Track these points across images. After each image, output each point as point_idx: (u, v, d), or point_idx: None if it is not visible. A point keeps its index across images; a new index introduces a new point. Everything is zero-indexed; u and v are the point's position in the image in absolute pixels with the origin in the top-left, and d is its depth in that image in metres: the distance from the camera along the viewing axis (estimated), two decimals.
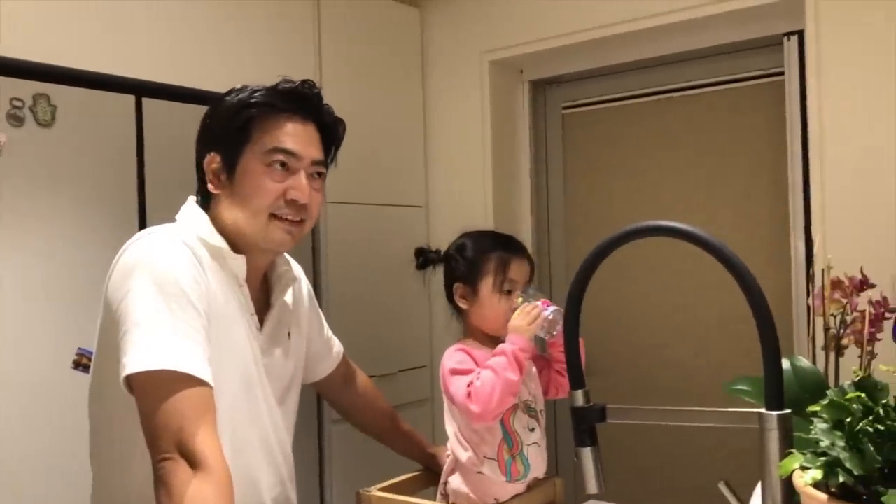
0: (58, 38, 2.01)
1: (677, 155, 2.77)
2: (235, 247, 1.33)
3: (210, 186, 1.34)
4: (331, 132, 1.42)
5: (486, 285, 1.56)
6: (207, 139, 1.37)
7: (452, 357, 1.56)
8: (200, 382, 1.14)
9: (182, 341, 1.15)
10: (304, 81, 1.38)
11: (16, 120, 1.91)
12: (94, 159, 2.06)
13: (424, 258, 1.66)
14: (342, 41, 2.74)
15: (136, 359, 1.13)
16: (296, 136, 1.33)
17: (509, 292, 1.55)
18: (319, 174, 1.38)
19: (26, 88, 1.93)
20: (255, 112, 1.32)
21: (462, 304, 1.61)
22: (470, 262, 1.59)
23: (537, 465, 1.56)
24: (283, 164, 1.32)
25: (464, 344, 1.60)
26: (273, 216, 1.32)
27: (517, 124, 3.07)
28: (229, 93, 1.38)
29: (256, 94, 1.34)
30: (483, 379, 1.46)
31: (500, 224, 2.93)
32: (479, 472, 1.52)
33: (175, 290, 1.18)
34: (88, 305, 1.96)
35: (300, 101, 1.36)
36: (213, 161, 1.34)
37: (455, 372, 1.52)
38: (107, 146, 2.09)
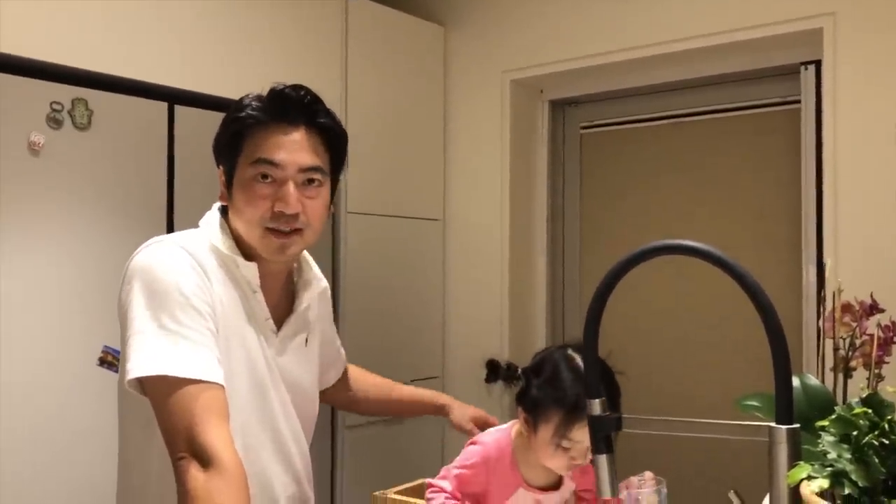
0: (97, 46, 2.08)
1: (693, 177, 2.82)
2: (249, 254, 1.36)
3: (220, 199, 1.38)
4: (331, 135, 1.37)
5: (546, 431, 1.38)
6: (215, 152, 1.40)
7: (468, 453, 1.47)
8: (206, 382, 1.17)
9: (185, 345, 1.19)
10: (292, 86, 1.33)
11: (55, 123, 1.98)
12: (127, 163, 2.13)
13: (495, 374, 1.50)
14: (368, 55, 2.81)
15: (139, 364, 1.17)
16: (280, 145, 1.30)
17: (568, 448, 1.38)
18: (312, 181, 1.34)
19: (66, 93, 2.01)
20: (244, 124, 1.32)
21: (523, 428, 1.45)
22: (537, 399, 1.40)
23: None
24: (265, 176, 1.30)
25: (512, 451, 1.46)
26: (266, 229, 1.31)
27: (535, 143, 3.12)
28: (232, 105, 1.38)
29: (247, 106, 1.33)
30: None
31: (514, 240, 2.98)
32: None
33: (176, 295, 1.21)
34: (115, 303, 2.03)
35: (286, 106, 1.32)
36: (222, 174, 1.38)
37: (455, 466, 1.46)
38: (139, 150, 2.16)
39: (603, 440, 1.07)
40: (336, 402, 1.81)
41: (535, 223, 3.11)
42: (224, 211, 1.40)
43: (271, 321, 1.39)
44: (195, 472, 1.11)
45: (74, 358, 2.01)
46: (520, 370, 1.45)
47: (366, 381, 1.79)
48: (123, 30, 2.14)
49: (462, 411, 1.76)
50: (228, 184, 1.35)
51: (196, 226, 1.40)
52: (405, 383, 1.69)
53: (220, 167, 1.38)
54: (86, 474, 2.00)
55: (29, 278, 1.95)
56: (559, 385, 1.38)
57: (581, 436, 1.34)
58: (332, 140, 1.38)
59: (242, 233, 1.34)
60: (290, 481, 1.42)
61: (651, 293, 2.83)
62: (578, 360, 1.39)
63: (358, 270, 2.74)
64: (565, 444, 1.36)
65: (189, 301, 1.22)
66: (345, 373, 1.76)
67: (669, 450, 2.78)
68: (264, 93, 1.35)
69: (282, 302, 1.44)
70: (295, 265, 1.48)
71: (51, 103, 1.97)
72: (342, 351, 1.73)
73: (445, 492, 1.43)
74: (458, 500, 1.43)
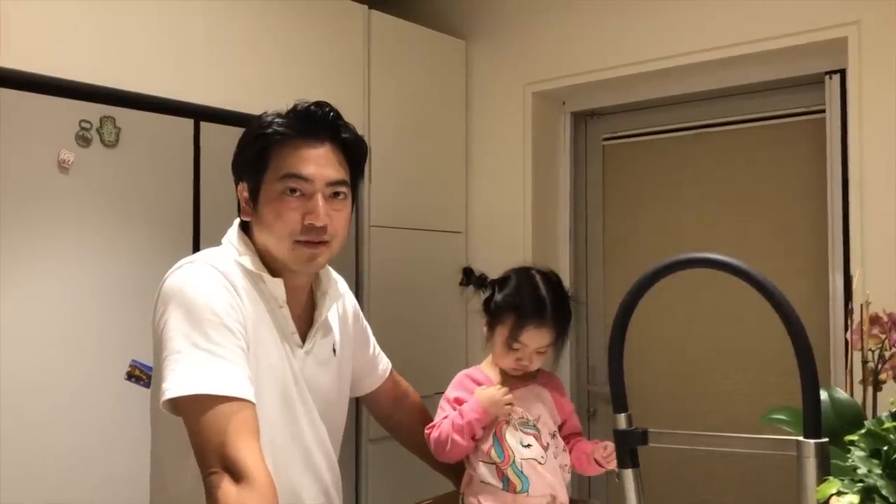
0: (124, 64, 2.12)
1: (717, 188, 2.80)
2: (274, 269, 1.38)
3: (243, 214, 1.40)
4: (352, 150, 1.42)
5: (501, 334, 1.58)
6: (235, 169, 1.42)
7: (456, 382, 1.64)
8: (239, 400, 1.20)
9: (218, 364, 1.21)
10: (316, 103, 1.38)
11: (83, 141, 2.01)
12: (155, 179, 2.16)
13: (468, 279, 1.68)
14: (390, 70, 2.83)
15: (175, 384, 1.20)
16: (308, 159, 1.34)
17: (517, 349, 1.57)
18: (338, 193, 1.38)
19: (94, 111, 2.04)
20: (270, 140, 1.35)
21: (485, 333, 1.65)
22: (496, 305, 1.61)
23: (542, 482, 1.54)
24: (294, 190, 1.33)
25: (480, 368, 1.66)
26: (296, 242, 1.35)
27: (558, 155, 3.12)
28: (252, 121, 1.41)
29: (272, 123, 1.36)
30: (441, 430, 1.56)
31: (537, 252, 2.98)
32: (483, 482, 1.55)
33: (209, 315, 1.24)
34: (143, 318, 2.05)
35: (311, 123, 1.36)
36: (243, 190, 1.39)
37: (445, 399, 1.62)
38: (166, 166, 2.19)
39: (628, 454, 1.07)
40: (380, 417, 1.81)
41: (557, 235, 3.11)
42: (244, 227, 1.42)
43: (297, 335, 1.41)
44: (227, 486, 1.14)
45: (102, 372, 2.03)
46: (488, 280, 1.65)
47: (413, 416, 1.77)
48: (150, 48, 2.17)
49: None
50: (254, 200, 1.37)
51: (221, 242, 1.42)
52: (429, 396, 1.70)
53: (242, 183, 1.40)
54: (113, 487, 2.01)
55: (58, 293, 1.98)
56: (517, 294, 1.58)
57: (528, 340, 1.54)
58: (353, 154, 1.42)
59: (271, 247, 1.36)
60: (318, 492, 1.44)
61: (676, 305, 2.81)
62: (538, 278, 1.61)
63: (381, 283, 2.75)
64: (515, 345, 1.55)
65: (222, 320, 1.25)
66: (401, 395, 1.78)
67: (696, 464, 2.76)
68: (282, 109, 1.39)
69: (304, 315, 1.46)
70: (314, 278, 1.50)
71: (80, 121, 2.01)
72: (382, 362, 1.73)
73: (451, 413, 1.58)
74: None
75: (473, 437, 1.54)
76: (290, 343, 1.39)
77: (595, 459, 1.57)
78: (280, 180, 1.34)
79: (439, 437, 1.56)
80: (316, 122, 1.36)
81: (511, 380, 1.62)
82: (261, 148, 1.36)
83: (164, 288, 1.30)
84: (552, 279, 1.64)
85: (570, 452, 1.62)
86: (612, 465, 1.52)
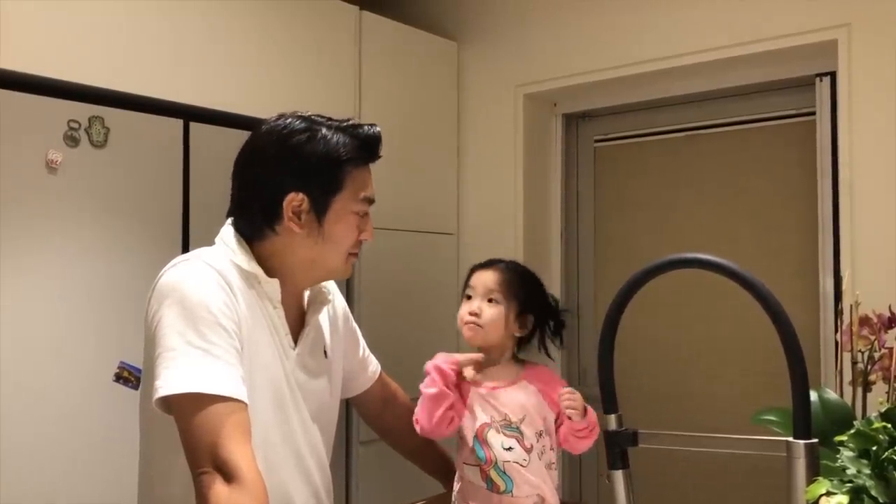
0: (113, 64, 2.11)
1: (707, 190, 2.81)
2: (271, 271, 1.38)
3: (292, 225, 1.36)
4: None
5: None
6: (291, 175, 1.37)
7: (442, 357, 1.65)
8: (232, 400, 1.20)
9: (213, 363, 1.21)
10: (375, 129, 1.44)
11: (72, 141, 2.00)
12: (143, 179, 2.15)
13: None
14: (382, 71, 2.82)
15: (168, 382, 1.19)
16: (371, 183, 1.44)
17: (469, 297, 1.65)
18: None
19: (83, 111, 2.03)
20: (349, 165, 1.39)
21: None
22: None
23: (526, 483, 1.53)
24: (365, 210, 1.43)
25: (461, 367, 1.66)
26: (350, 254, 1.44)
27: (549, 156, 3.12)
28: (300, 131, 1.38)
29: (346, 146, 1.38)
30: (419, 402, 1.58)
31: (529, 254, 2.98)
32: (470, 482, 1.54)
33: (205, 313, 1.24)
34: (132, 320, 2.04)
35: (378, 148, 1.44)
36: (296, 199, 1.36)
37: (427, 373, 1.62)
38: (155, 167, 2.18)
39: (618, 455, 1.07)
40: (369, 419, 1.81)
41: (549, 237, 3.11)
42: (238, 228, 1.40)
43: (290, 336, 1.41)
44: (218, 487, 1.14)
45: (90, 374, 2.02)
46: None
47: (402, 418, 1.74)
48: (139, 48, 2.16)
49: None
50: (319, 213, 1.37)
51: (211, 242, 1.41)
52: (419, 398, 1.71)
53: (295, 194, 1.36)
54: (101, 488, 2.00)
55: (46, 294, 1.96)
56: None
57: (476, 281, 1.65)
58: None
59: (324, 258, 1.40)
60: (309, 495, 1.44)
61: (666, 306, 2.81)
62: (505, 260, 1.72)
63: (373, 284, 2.74)
64: (468, 291, 1.66)
65: (217, 319, 1.24)
66: (391, 398, 1.78)
67: (685, 465, 2.76)
68: (306, 113, 1.42)
69: (297, 316, 1.46)
70: None
71: (68, 121, 2.00)
72: (371, 364, 1.73)
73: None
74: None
75: (445, 384, 1.54)
76: (283, 344, 1.39)
77: (566, 413, 1.55)
78: (359, 202, 1.41)
79: (418, 409, 1.57)
80: (378, 148, 1.44)
81: (494, 375, 1.61)
82: (340, 170, 1.38)
83: (158, 285, 1.29)
84: (522, 267, 1.73)
85: (557, 432, 1.59)
86: (577, 404, 1.54)
